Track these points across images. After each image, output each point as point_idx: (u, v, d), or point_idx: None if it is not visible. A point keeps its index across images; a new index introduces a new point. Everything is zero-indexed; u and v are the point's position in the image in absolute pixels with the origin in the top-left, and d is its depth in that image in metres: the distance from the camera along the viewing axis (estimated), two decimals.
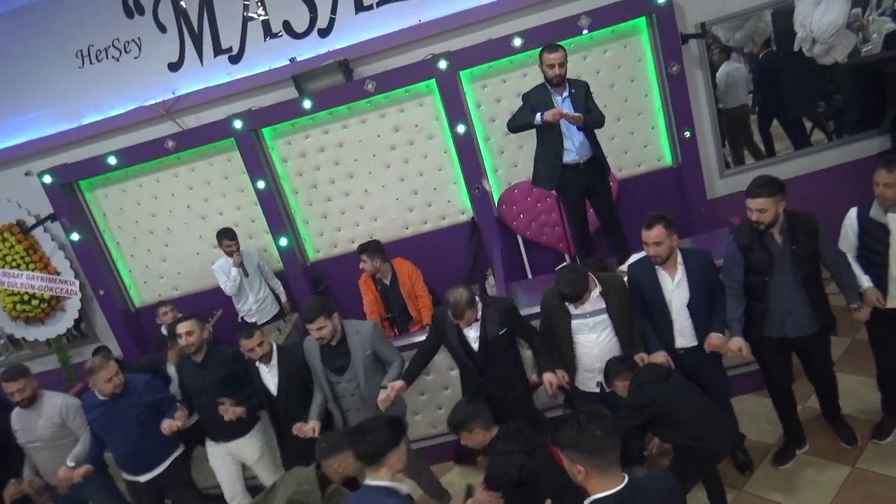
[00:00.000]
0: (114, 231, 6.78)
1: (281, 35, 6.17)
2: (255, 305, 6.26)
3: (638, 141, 6.28)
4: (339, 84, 5.96)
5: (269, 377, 4.33)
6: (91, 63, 6.33)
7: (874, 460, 4.09)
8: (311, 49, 6.16)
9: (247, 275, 6.15)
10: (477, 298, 3.98)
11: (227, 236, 6.09)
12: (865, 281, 3.80)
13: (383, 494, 2.84)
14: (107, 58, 6.32)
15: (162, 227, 6.74)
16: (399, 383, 4.06)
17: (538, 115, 4.60)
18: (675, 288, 3.85)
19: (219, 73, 6.27)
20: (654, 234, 3.69)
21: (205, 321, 4.69)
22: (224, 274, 6.17)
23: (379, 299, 5.75)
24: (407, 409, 4.57)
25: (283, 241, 6.44)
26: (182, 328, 4.42)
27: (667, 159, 6.32)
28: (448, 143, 6.26)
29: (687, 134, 5.97)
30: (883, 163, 3.58)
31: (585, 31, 5.71)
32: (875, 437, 4.19)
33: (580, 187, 4.89)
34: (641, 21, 5.95)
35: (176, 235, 6.75)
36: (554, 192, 5.06)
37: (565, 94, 4.73)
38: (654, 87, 6.13)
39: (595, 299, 3.80)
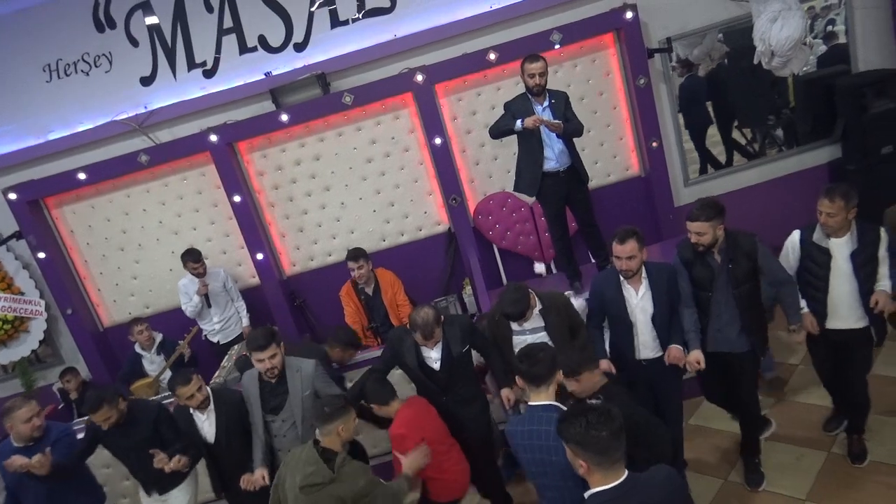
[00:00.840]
0: (82, 249, 6.62)
1: (256, 49, 6.18)
2: (218, 325, 6.22)
3: (607, 152, 6.50)
4: (317, 97, 6.00)
5: (207, 425, 4.06)
6: (59, 77, 6.20)
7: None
8: (286, 63, 6.19)
9: (209, 305, 6.09)
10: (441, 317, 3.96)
11: (191, 258, 6.00)
12: (804, 307, 3.92)
13: (549, 411, 2.94)
14: (76, 72, 6.21)
15: (133, 244, 6.62)
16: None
17: (519, 122, 4.73)
18: (639, 301, 3.90)
19: (193, 88, 6.23)
20: (628, 248, 3.73)
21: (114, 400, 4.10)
22: (186, 295, 6.11)
23: (361, 309, 5.77)
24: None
25: (260, 256, 6.40)
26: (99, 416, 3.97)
27: (635, 169, 6.56)
28: (424, 154, 6.36)
29: (654, 144, 6.22)
30: (825, 192, 3.68)
31: (557, 46, 5.91)
32: (854, 462, 4.20)
33: (560, 195, 5.03)
34: (609, 37, 6.19)
35: (147, 252, 6.64)
36: (531, 200, 5.18)
37: (545, 103, 4.88)
38: (622, 100, 6.37)
39: (535, 317, 3.88)
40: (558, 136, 4.82)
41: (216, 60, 6.19)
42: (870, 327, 3.91)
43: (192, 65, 6.21)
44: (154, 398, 5.29)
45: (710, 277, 3.87)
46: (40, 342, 6.80)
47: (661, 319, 3.90)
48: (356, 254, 5.63)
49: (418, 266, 6.60)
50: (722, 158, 6.70)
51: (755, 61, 5.75)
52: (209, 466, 4.24)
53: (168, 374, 5.92)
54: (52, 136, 6.34)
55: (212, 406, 4.08)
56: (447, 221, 6.53)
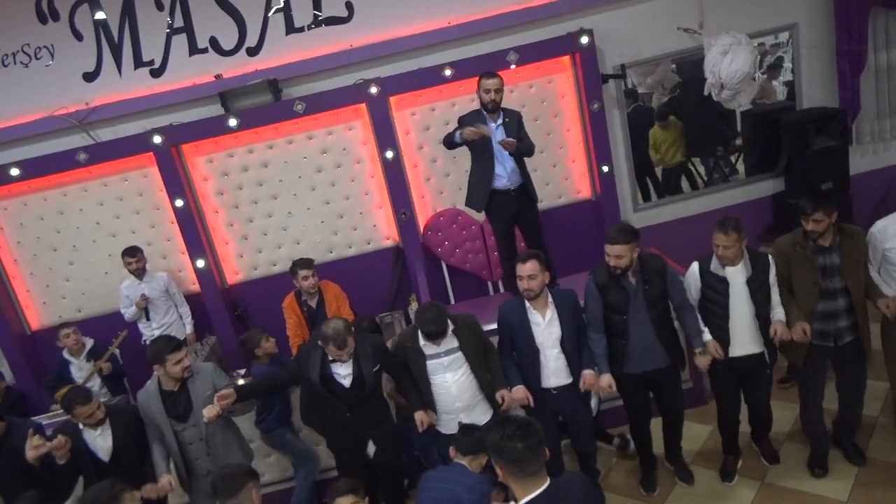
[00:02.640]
0: (12, 247, 6.31)
1: (207, 51, 6.02)
2: (158, 330, 5.98)
3: (559, 173, 6.53)
4: (268, 103, 5.88)
5: (100, 440, 3.88)
6: None
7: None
8: (238, 67, 6.05)
9: (147, 318, 5.92)
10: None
11: (127, 253, 5.86)
12: (706, 334, 4.07)
13: (466, 475, 3.31)
14: (14, 63, 5.95)
15: (67, 245, 6.34)
16: (226, 391, 3.81)
17: (457, 133, 4.72)
18: (546, 326, 3.97)
19: (138, 86, 6.03)
20: (528, 267, 3.84)
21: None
22: (127, 299, 5.95)
23: (303, 322, 5.63)
24: (253, 457, 4.41)
25: (201, 263, 6.20)
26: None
27: (586, 192, 6.60)
28: (376, 167, 6.28)
29: (605, 169, 6.27)
30: (718, 226, 3.87)
31: (513, 66, 5.92)
32: (723, 479, 4.46)
33: (510, 213, 5.02)
34: (567, 59, 6.24)
35: (82, 253, 6.36)
36: (481, 218, 5.16)
37: (499, 120, 4.88)
38: (576, 123, 6.41)
39: (449, 338, 3.86)
40: (511, 154, 4.81)
41: (164, 60, 6.02)
42: (764, 352, 4.11)
43: (138, 62, 6.02)
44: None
45: (625, 300, 3.96)
46: None
47: (570, 344, 3.99)
48: (304, 263, 5.51)
49: (365, 280, 6.48)
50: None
51: (706, 93, 5.88)
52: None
53: (96, 380, 5.69)
54: None
55: (107, 422, 3.90)
56: (396, 236, 6.44)
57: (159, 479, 3.88)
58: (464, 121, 4.90)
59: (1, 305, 6.23)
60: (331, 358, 3.90)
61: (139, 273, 5.93)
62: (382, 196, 6.38)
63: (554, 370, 4.03)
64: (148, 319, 6.03)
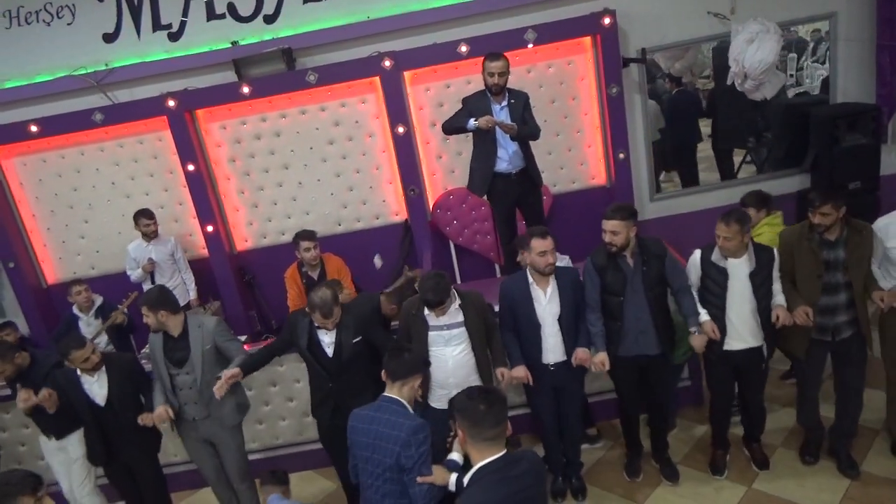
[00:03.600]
0: (30, 202, 6.47)
1: (224, 17, 6.01)
2: None
3: (574, 158, 6.38)
4: (281, 72, 5.85)
5: (97, 387, 4.12)
6: (20, 25, 6.02)
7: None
8: (254, 34, 6.03)
9: (153, 281, 5.99)
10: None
11: (144, 215, 5.97)
12: (704, 314, 3.99)
13: (395, 404, 3.13)
14: (37, 21, 6.04)
15: (83, 203, 6.47)
16: (233, 371, 3.98)
17: (471, 121, 4.62)
18: (547, 303, 3.96)
19: (156, 49, 6.06)
20: (549, 242, 3.85)
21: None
22: (134, 261, 6.06)
23: (304, 294, 5.64)
24: (249, 408, 4.51)
25: (210, 228, 6.27)
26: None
27: (600, 178, 6.44)
28: (388, 142, 6.22)
29: (621, 156, 6.10)
30: (722, 217, 3.80)
31: (530, 45, 5.77)
32: (713, 473, 4.42)
33: (511, 197, 4.94)
34: (587, 41, 6.06)
35: (97, 212, 6.49)
36: (485, 199, 5.08)
37: (504, 103, 4.76)
38: (594, 107, 6.24)
39: (453, 311, 3.82)
40: (512, 137, 4.71)
41: (182, 24, 6.03)
42: (762, 346, 4.03)
43: (157, 26, 6.04)
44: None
45: (622, 281, 3.94)
46: None
47: (567, 322, 3.99)
48: (306, 234, 5.52)
49: (372, 254, 6.49)
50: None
51: (728, 82, 5.65)
52: (91, 434, 4.21)
53: (103, 337, 5.81)
54: (9, 85, 6.16)
55: (103, 368, 4.13)
56: (405, 212, 6.40)
57: (155, 411, 4.07)
58: (467, 102, 4.81)
59: (18, 258, 6.40)
60: (317, 325, 3.95)
61: (153, 235, 6.02)
62: (393, 171, 6.33)
63: (552, 346, 4.02)
64: (153, 283, 6.11)
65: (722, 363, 4.10)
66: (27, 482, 2.81)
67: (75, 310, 5.91)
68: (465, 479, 2.60)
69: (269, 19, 6.02)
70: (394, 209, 6.50)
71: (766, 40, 5.17)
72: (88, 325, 5.92)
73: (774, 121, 6.50)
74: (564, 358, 4.05)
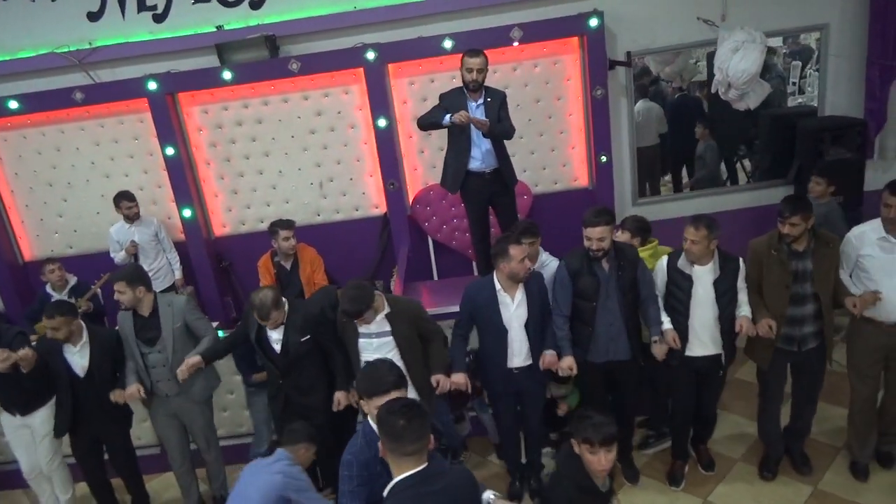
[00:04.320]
0: (9, 178, 6.44)
1: (210, 0, 5.96)
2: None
3: (557, 159, 6.34)
4: (263, 59, 5.81)
5: (78, 357, 4.18)
6: (4, 0, 5.98)
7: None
8: (239, 20, 5.98)
9: (136, 261, 5.95)
10: (284, 301, 3.97)
11: (126, 197, 5.93)
12: (666, 322, 4.01)
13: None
14: None
15: (62, 181, 6.44)
16: (195, 359, 4.06)
17: (447, 117, 4.58)
18: (515, 308, 3.93)
19: (140, 30, 6.01)
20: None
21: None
22: (117, 244, 6.02)
23: (275, 283, 5.62)
24: (218, 386, 4.60)
25: (188, 213, 6.24)
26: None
27: (583, 180, 6.40)
28: (369, 134, 6.18)
29: (603, 159, 6.04)
30: (692, 220, 3.81)
31: (516, 43, 5.72)
32: (671, 484, 4.42)
33: (484, 196, 4.90)
34: (575, 41, 6.00)
35: (76, 191, 6.46)
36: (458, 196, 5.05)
37: (480, 100, 4.72)
38: (579, 108, 6.19)
39: (381, 321, 3.79)
40: (485, 135, 4.67)
41: (168, 5, 5.97)
42: (721, 354, 4.05)
43: (142, 6, 5.99)
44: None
45: (595, 287, 3.92)
46: None
47: (534, 327, 3.96)
48: (285, 224, 5.48)
49: (349, 246, 6.45)
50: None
51: (712, 90, 5.60)
52: (64, 405, 4.24)
53: None
54: None
55: (86, 339, 4.19)
56: (385, 206, 6.36)
57: (127, 388, 4.14)
58: (444, 98, 4.76)
59: None
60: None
61: (134, 218, 5.99)
62: (374, 164, 6.29)
63: (517, 351, 4.00)
64: (136, 262, 6.06)
65: (683, 369, 4.09)
66: None
67: (48, 288, 5.89)
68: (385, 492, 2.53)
69: (255, 5, 5.97)
70: (373, 202, 6.47)
71: (750, 50, 5.11)
72: None
73: (762, 130, 6.45)
74: (529, 362, 4.03)
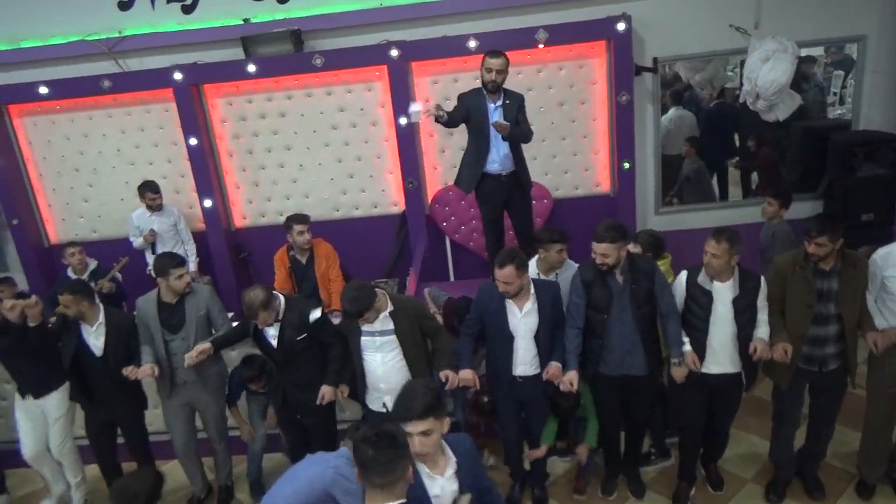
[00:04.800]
0: (38, 162, 6.57)
1: None
2: None
3: (579, 163, 6.25)
4: (288, 54, 5.83)
5: (93, 338, 4.23)
6: None
7: None
8: (267, 13, 6.00)
9: (153, 251, 6.04)
10: (282, 300, 3.96)
11: (150, 189, 6.01)
12: (686, 343, 3.89)
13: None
14: None
15: (88, 167, 6.55)
16: (204, 346, 4.08)
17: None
18: (522, 317, 3.87)
19: (169, 21, 6.07)
20: (505, 273, 3.68)
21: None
22: (137, 229, 6.11)
23: (290, 277, 5.64)
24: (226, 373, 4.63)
25: (209, 203, 6.30)
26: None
27: (605, 186, 6.30)
28: (391, 132, 6.17)
29: (626, 165, 5.95)
30: (713, 233, 3.70)
31: (541, 45, 5.65)
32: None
33: (499, 198, 4.86)
34: (602, 45, 5.91)
35: (102, 177, 6.57)
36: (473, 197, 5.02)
37: (499, 102, 4.68)
38: (603, 113, 6.10)
39: (384, 319, 3.77)
40: (504, 138, 4.62)
41: None
42: (741, 373, 3.94)
43: None
44: None
45: (608, 299, 3.84)
46: None
47: (544, 337, 3.90)
48: (300, 218, 5.48)
49: (367, 243, 6.45)
50: None
51: (740, 100, 5.46)
52: (80, 381, 4.30)
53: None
54: (25, 45, 6.23)
55: (102, 321, 4.23)
56: (404, 204, 6.34)
57: (144, 366, 4.15)
58: (464, 98, 4.74)
59: (23, 216, 6.53)
60: None
61: (156, 209, 6.08)
62: (394, 162, 6.27)
63: (522, 359, 3.95)
64: (154, 252, 6.16)
65: (697, 386, 3.98)
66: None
67: (70, 272, 5.99)
68: None
69: None
70: (392, 199, 6.46)
71: (781, 60, 4.97)
72: None
73: (793, 143, 6.28)
74: (536, 371, 3.98)
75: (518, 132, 4.62)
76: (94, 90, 6.03)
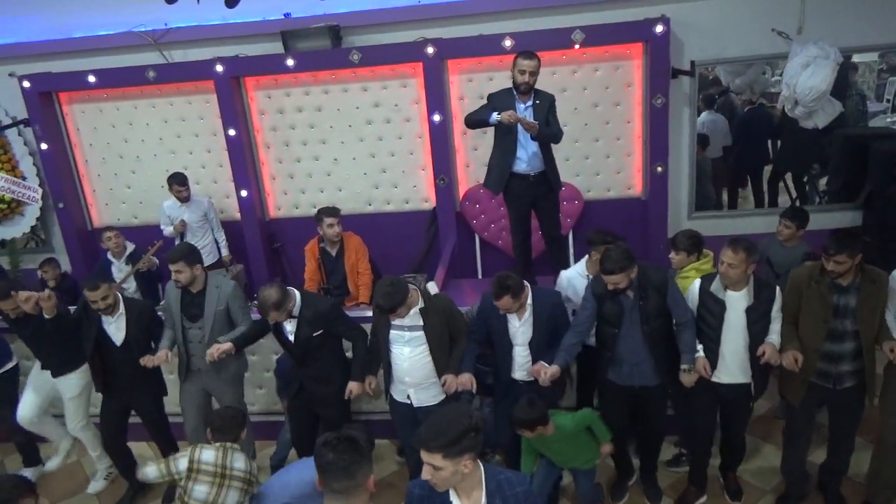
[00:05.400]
0: (84, 148, 6.81)
1: None
2: None
3: (612, 166, 6.22)
4: (325, 49, 5.92)
5: (114, 328, 4.32)
6: None
7: None
8: (307, 8, 6.11)
9: (182, 240, 6.16)
10: (298, 297, 4.00)
11: (177, 181, 6.16)
12: (699, 350, 3.85)
13: None
14: None
15: (132, 154, 6.76)
16: (226, 345, 4.12)
17: (494, 115, 4.56)
18: (520, 326, 3.92)
19: (213, 14, 6.23)
20: (503, 303, 3.75)
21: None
22: (167, 218, 6.29)
23: (320, 269, 5.74)
24: (247, 369, 4.69)
25: (245, 193, 6.45)
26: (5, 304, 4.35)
27: (637, 189, 6.26)
28: (424, 128, 6.22)
29: (659, 169, 5.89)
30: (729, 242, 3.65)
31: (577, 46, 5.63)
32: None
33: (527, 199, 4.86)
34: (639, 47, 5.86)
35: (144, 165, 6.78)
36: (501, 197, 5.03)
37: (529, 102, 4.67)
38: (637, 116, 6.05)
39: (414, 315, 3.81)
40: (533, 138, 4.63)
41: None
42: (751, 383, 3.89)
43: None
44: None
45: (619, 314, 3.83)
46: (32, 227, 7.08)
47: (538, 345, 3.93)
48: (334, 210, 5.59)
49: (398, 238, 6.53)
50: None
51: (779, 106, 5.36)
52: (100, 369, 4.40)
53: (131, 282, 6.09)
54: (76, 35, 6.46)
55: (122, 311, 4.33)
56: (435, 200, 6.40)
57: (158, 352, 4.27)
58: (493, 98, 4.75)
59: (68, 200, 6.77)
60: None
61: (184, 200, 6.24)
62: (427, 158, 6.33)
63: (520, 365, 3.99)
64: (182, 240, 6.32)
65: (706, 393, 3.95)
66: (22, 486, 2.87)
67: (109, 255, 6.21)
68: None
69: None
70: (423, 195, 6.52)
71: (821, 66, 4.86)
72: (120, 270, 6.20)
73: (835, 151, 6.14)
74: (531, 378, 3.97)
75: (547, 132, 4.61)
76: (139, 80, 6.23)
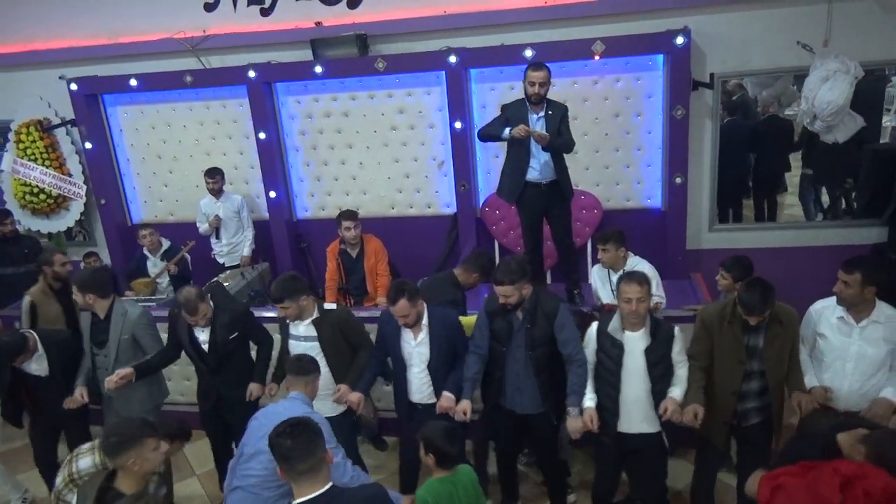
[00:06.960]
0: (126, 147, 7.17)
1: None
2: (226, 248, 6.62)
3: (631, 176, 6.25)
4: (353, 57, 6.12)
5: (35, 364, 4.24)
6: None
7: None
8: (336, 17, 6.32)
9: (217, 237, 6.49)
10: (210, 300, 4.10)
11: (208, 174, 6.49)
12: (589, 399, 3.68)
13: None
14: None
15: (170, 154, 7.09)
16: (126, 371, 4.08)
17: (507, 130, 4.66)
18: (416, 345, 3.92)
19: (248, 22, 6.50)
20: (399, 307, 3.73)
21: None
22: (203, 216, 6.58)
23: (340, 269, 5.93)
24: (164, 399, 4.62)
25: (273, 194, 6.69)
26: None
27: (656, 200, 6.27)
28: (447, 135, 6.36)
29: (678, 180, 5.90)
30: (626, 275, 3.59)
31: (597, 57, 5.69)
32: None
33: (538, 207, 4.94)
34: (660, 58, 5.89)
35: (181, 165, 7.09)
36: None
37: (541, 113, 4.75)
38: (658, 127, 6.07)
39: (308, 326, 3.91)
40: (544, 148, 4.71)
41: (274, 1, 6.41)
42: (661, 433, 3.66)
43: (252, 0, 6.46)
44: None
45: (508, 333, 3.81)
46: (76, 222, 7.47)
47: (437, 367, 3.91)
48: (352, 214, 5.77)
49: (419, 242, 6.68)
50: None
51: (798, 120, 5.33)
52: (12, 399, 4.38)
53: (165, 277, 6.38)
54: (122, 40, 6.81)
55: (41, 351, 4.25)
56: (456, 206, 6.53)
57: (75, 392, 4.27)
58: (506, 109, 4.84)
59: (110, 197, 7.13)
60: (189, 322, 4.13)
61: (216, 192, 6.52)
62: (449, 164, 6.46)
63: (417, 387, 3.99)
64: (218, 237, 6.63)
65: (611, 446, 3.73)
66: (147, 427, 2.93)
67: (145, 251, 6.51)
68: None
69: (353, 4, 6.28)
70: (445, 201, 6.65)
71: (840, 80, 4.81)
72: (155, 266, 6.50)
73: (863, 165, 6.05)
74: (433, 401, 3.93)
75: (559, 143, 4.69)
76: (178, 84, 6.53)
